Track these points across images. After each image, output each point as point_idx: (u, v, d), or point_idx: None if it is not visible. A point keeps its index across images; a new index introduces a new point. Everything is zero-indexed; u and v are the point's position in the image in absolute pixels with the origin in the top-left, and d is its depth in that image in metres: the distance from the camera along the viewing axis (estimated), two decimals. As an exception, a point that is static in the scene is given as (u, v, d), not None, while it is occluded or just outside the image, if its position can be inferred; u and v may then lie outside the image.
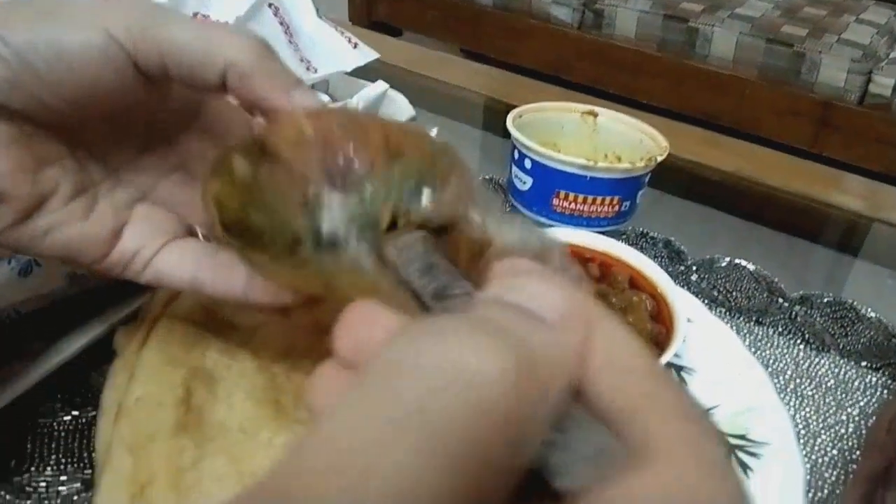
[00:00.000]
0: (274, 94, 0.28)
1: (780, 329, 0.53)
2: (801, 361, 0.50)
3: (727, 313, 0.55)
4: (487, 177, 0.71)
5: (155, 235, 0.31)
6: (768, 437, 0.41)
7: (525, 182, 0.63)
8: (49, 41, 0.26)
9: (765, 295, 0.57)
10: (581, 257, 0.49)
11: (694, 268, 0.60)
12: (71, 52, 0.26)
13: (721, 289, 0.57)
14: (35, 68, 0.26)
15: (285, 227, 0.25)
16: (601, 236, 0.51)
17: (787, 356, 0.51)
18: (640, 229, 0.64)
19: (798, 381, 0.49)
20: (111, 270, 0.31)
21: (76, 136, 0.30)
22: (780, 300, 0.56)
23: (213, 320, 0.41)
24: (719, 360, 0.47)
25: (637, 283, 0.47)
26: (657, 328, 0.43)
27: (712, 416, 0.43)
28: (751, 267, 0.60)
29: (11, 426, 0.39)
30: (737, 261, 0.60)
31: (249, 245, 0.27)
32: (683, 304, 0.46)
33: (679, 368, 0.47)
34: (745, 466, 0.40)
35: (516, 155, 0.63)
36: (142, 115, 0.31)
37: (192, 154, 0.32)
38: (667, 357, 0.41)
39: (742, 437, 0.42)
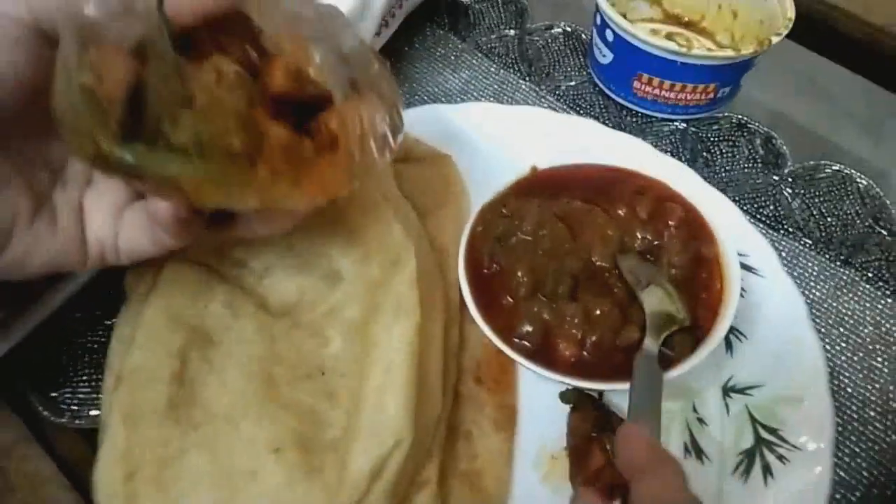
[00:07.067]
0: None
1: (869, 275, 0.46)
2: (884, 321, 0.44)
3: (813, 246, 0.47)
4: (569, 28, 0.61)
5: (107, 219, 0.32)
6: (802, 441, 0.37)
7: (605, 55, 0.53)
8: None
9: (867, 223, 0.48)
10: (661, 196, 0.43)
11: (790, 178, 0.51)
12: None
13: (815, 210, 0.49)
14: None
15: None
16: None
17: (867, 312, 0.44)
18: (738, 117, 0.55)
19: (873, 350, 0.43)
20: (95, 267, 0.33)
21: (14, 140, 0.29)
22: (884, 233, 0.48)
23: (225, 259, 0.40)
24: (778, 330, 0.41)
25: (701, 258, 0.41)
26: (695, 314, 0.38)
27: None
28: (862, 182, 0.50)
29: (48, 340, 0.41)
30: (845, 171, 0.51)
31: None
32: (737, 275, 0.39)
33: (731, 329, 0.42)
34: (767, 470, 0.37)
35: (598, 20, 0.53)
36: None
37: None
38: (708, 348, 0.37)
39: (774, 431, 0.38)
